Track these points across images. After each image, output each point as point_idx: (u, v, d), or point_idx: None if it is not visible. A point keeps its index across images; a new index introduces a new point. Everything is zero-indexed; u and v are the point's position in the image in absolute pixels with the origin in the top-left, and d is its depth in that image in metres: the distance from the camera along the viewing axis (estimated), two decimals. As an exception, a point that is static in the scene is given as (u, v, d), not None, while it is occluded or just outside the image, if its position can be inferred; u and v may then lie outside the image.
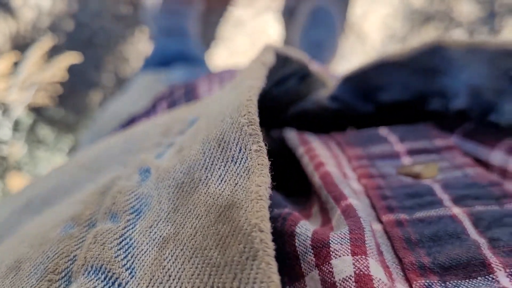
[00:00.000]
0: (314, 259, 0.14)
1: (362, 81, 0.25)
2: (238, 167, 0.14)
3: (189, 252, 0.13)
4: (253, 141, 0.14)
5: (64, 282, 0.14)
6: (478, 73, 0.21)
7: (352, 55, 1.03)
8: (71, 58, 0.89)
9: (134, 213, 0.15)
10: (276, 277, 0.10)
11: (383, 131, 0.23)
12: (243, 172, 0.14)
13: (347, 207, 0.16)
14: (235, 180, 0.14)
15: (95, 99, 0.98)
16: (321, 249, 0.14)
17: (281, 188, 0.21)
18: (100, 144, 0.26)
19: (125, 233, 0.15)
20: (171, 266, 0.13)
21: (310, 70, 0.25)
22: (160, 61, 0.66)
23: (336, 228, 0.16)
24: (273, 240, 0.15)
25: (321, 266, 0.14)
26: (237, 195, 0.13)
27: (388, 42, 1.07)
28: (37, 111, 0.94)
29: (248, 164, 0.14)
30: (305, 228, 0.15)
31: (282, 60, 0.22)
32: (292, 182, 0.23)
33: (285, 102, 0.26)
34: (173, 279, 0.12)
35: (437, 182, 0.19)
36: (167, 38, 0.73)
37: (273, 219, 0.16)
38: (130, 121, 0.43)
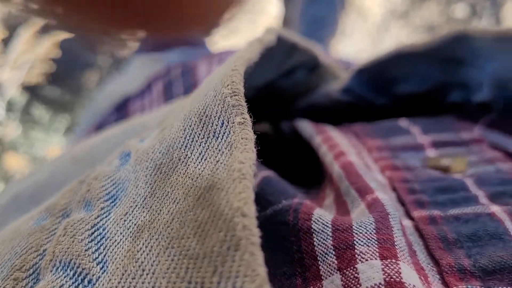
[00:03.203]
0: (336, 261, 0.13)
1: (378, 73, 0.24)
2: (220, 142, 0.12)
3: (165, 242, 0.11)
4: (237, 113, 0.12)
5: (31, 280, 0.12)
6: (506, 63, 0.20)
7: (353, 32, 1.01)
8: (62, 34, 0.87)
9: (109, 200, 0.14)
10: (262, 270, 0.09)
11: (403, 122, 0.22)
12: (225, 148, 0.12)
13: (374, 201, 0.15)
14: (216, 157, 0.12)
15: (91, 79, 0.97)
16: (345, 250, 0.13)
17: (291, 180, 0.20)
18: (96, 137, 0.24)
19: (98, 222, 0.13)
20: (144, 258, 0.11)
21: (320, 61, 0.23)
22: (157, 41, 0.64)
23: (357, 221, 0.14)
24: (284, 236, 0.14)
25: (345, 270, 0.13)
26: (218, 174, 0.11)
27: (389, 18, 1.04)
28: (31, 90, 0.93)
29: (231, 138, 0.12)
30: (323, 224, 0.14)
31: (288, 47, 0.21)
32: (302, 175, 0.22)
33: (294, 95, 0.25)
34: (147, 274, 0.11)
35: (469, 177, 0.17)
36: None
37: (283, 211, 0.15)
38: (125, 102, 0.41)
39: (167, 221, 0.12)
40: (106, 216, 0.13)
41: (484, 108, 0.22)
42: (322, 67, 0.24)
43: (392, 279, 0.12)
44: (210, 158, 0.12)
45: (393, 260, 0.12)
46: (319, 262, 0.13)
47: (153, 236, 0.12)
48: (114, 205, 0.14)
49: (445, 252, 0.14)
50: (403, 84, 0.24)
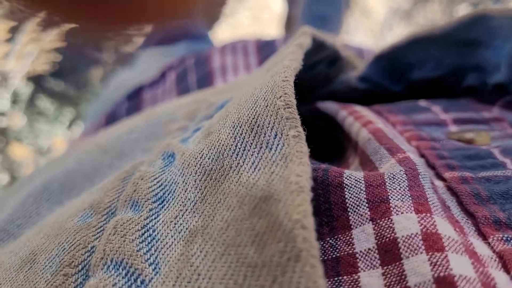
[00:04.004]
0: (369, 212, 0.13)
1: (394, 60, 0.24)
2: (273, 154, 0.13)
3: (220, 248, 0.11)
4: (291, 126, 0.13)
5: (81, 276, 0.13)
6: None
7: (356, 30, 1.02)
8: (68, 25, 0.87)
9: (157, 201, 0.14)
10: (322, 282, 0.09)
11: (423, 102, 0.22)
12: (280, 160, 0.12)
13: (405, 159, 0.15)
14: (270, 168, 0.12)
15: (96, 75, 0.97)
16: (379, 204, 0.13)
17: None
18: (120, 125, 0.24)
19: (147, 223, 0.13)
20: (200, 263, 0.11)
21: (341, 54, 0.24)
22: (162, 37, 0.64)
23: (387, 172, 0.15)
24: (311, 191, 0.14)
25: (378, 221, 0.13)
26: (274, 185, 0.11)
27: (392, 17, 1.05)
28: (36, 82, 0.93)
29: (285, 151, 0.12)
30: (355, 180, 0.14)
31: (317, 45, 0.21)
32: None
33: (312, 85, 0.25)
34: (203, 278, 0.11)
35: (495, 148, 0.18)
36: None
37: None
38: (137, 91, 0.42)
39: (222, 228, 0.12)
40: (155, 218, 0.14)
41: (500, 90, 0.22)
42: (343, 60, 0.25)
43: (428, 230, 0.12)
44: (264, 169, 0.12)
45: (428, 214, 0.13)
46: (349, 213, 0.14)
47: (207, 242, 0.12)
48: (162, 207, 0.14)
49: (480, 206, 0.14)
50: (418, 69, 0.25)
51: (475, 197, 0.15)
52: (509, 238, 0.13)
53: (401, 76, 0.25)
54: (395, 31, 1.04)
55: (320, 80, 0.25)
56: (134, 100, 0.41)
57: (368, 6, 1.04)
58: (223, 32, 1.02)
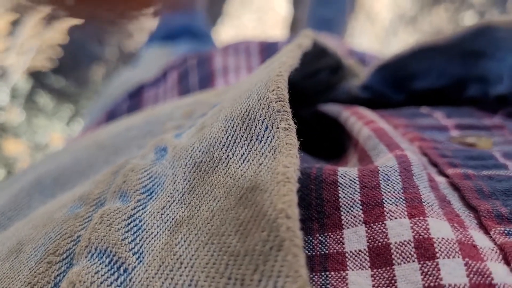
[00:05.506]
0: (362, 215, 0.14)
1: (397, 69, 0.24)
2: (263, 146, 0.13)
3: (204, 237, 0.11)
4: (281, 119, 0.13)
5: (65, 264, 0.13)
6: None
7: (361, 35, 1.01)
8: (71, 20, 0.86)
9: (146, 193, 0.14)
10: (304, 271, 0.09)
11: (424, 109, 0.22)
12: (269, 152, 0.12)
13: (402, 156, 0.15)
14: (259, 160, 0.12)
15: (98, 72, 0.97)
16: (373, 207, 0.14)
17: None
18: (119, 123, 0.24)
19: (134, 214, 0.13)
20: (183, 252, 0.11)
21: (343, 63, 0.24)
22: (165, 35, 0.64)
23: (381, 164, 0.15)
24: (302, 183, 0.14)
25: (372, 224, 0.13)
26: (261, 176, 0.12)
27: (397, 22, 1.04)
28: (36, 77, 0.92)
29: (275, 143, 0.12)
30: (350, 179, 0.14)
31: (318, 52, 0.21)
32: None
33: (313, 93, 0.25)
34: (185, 267, 0.11)
35: (496, 151, 0.18)
36: (172, 12, 0.71)
37: (305, 168, 0.15)
38: (139, 90, 0.42)
39: (207, 218, 0.12)
40: (142, 209, 0.14)
41: (501, 102, 0.23)
42: (344, 69, 0.25)
43: (420, 236, 0.12)
44: (253, 160, 0.12)
45: (421, 218, 0.13)
46: (342, 213, 0.14)
47: (192, 231, 0.12)
48: (151, 198, 0.14)
49: (482, 201, 0.14)
50: (421, 80, 0.25)
51: (477, 192, 0.15)
52: (510, 232, 0.13)
53: (403, 85, 0.25)
54: (400, 36, 1.04)
55: (321, 88, 0.25)
56: (136, 99, 0.41)
57: (373, 11, 1.04)
58: (227, 33, 1.01)
